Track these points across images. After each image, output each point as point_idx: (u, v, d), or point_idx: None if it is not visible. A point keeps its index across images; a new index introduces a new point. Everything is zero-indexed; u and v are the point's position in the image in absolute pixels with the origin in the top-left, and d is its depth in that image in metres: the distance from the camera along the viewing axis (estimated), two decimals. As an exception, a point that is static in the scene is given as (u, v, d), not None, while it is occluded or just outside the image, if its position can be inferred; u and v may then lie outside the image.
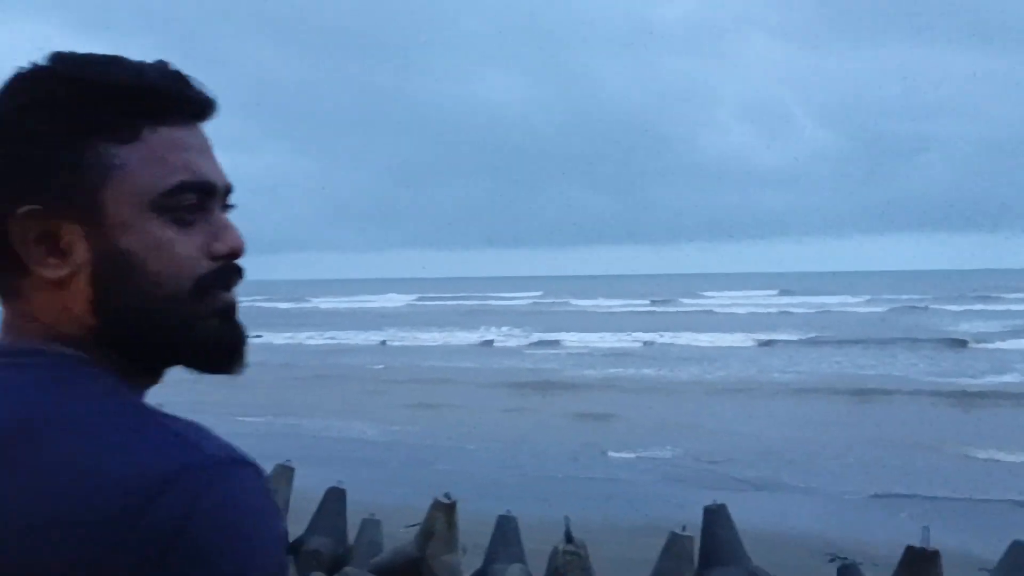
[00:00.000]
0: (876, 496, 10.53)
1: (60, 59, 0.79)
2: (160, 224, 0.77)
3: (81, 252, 0.76)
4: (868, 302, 53.55)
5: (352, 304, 63.33)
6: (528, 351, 29.19)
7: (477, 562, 6.05)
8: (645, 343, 30.31)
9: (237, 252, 0.80)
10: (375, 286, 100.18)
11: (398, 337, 34.40)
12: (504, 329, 36.60)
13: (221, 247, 0.79)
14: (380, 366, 24.80)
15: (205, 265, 0.78)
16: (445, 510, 6.28)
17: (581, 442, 13.60)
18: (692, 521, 6.23)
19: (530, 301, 64.32)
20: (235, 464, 0.69)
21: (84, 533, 0.64)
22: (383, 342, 33.01)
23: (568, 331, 34.25)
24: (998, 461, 12.17)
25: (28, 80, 0.78)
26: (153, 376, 0.81)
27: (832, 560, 6.24)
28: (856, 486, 10.91)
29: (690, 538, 5.76)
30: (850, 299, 56.13)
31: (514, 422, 15.53)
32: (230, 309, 0.81)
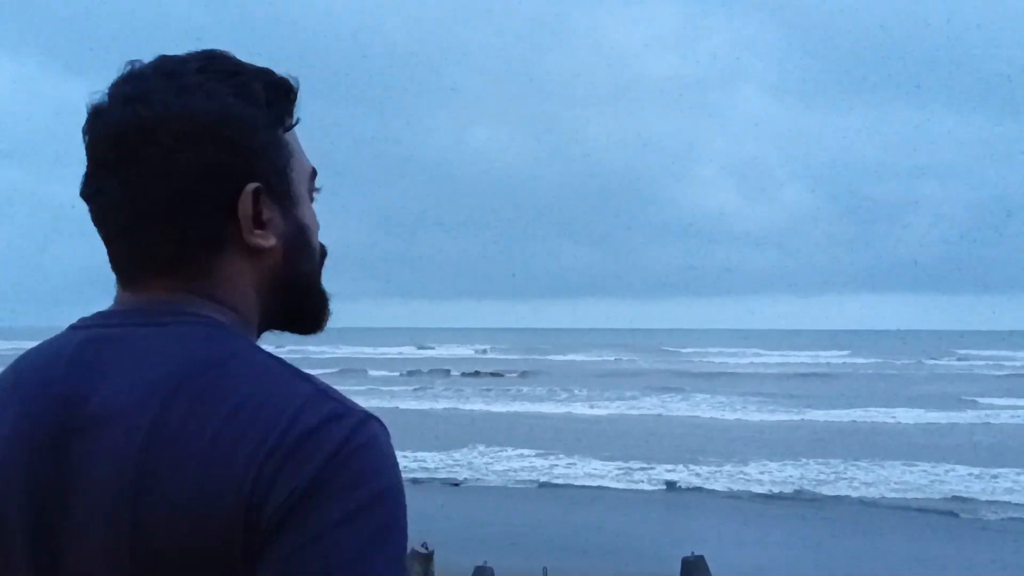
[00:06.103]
0: None
1: (226, 58, 0.90)
2: (309, 202, 0.94)
3: (279, 225, 0.90)
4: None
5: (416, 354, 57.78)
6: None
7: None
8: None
9: None
10: (392, 336, 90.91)
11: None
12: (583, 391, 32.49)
13: None
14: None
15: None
16: (422, 560, 6.19)
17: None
18: (671, 573, 6.15)
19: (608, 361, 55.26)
20: (372, 418, 0.84)
21: (270, 448, 0.78)
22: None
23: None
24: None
25: (222, 72, 0.88)
26: (256, 338, 0.94)
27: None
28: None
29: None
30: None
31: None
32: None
